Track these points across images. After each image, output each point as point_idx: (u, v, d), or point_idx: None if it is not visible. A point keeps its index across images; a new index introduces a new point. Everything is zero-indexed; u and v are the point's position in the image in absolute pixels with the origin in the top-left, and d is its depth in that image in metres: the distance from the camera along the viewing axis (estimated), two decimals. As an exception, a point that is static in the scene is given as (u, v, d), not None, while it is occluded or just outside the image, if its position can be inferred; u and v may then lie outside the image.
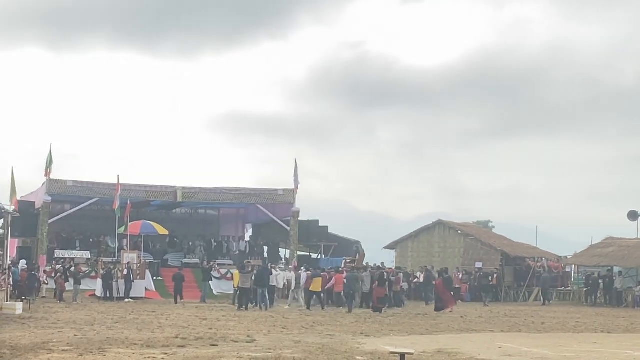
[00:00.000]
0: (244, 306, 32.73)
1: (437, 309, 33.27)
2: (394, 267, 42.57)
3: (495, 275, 44.77)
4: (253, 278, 34.29)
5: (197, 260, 44.45)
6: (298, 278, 36.28)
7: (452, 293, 36.24)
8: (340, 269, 39.66)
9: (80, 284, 36.10)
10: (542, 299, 42.72)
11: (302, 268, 38.76)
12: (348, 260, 44.23)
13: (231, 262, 43.67)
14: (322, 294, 35.58)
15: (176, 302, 36.02)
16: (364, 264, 42.21)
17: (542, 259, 47.75)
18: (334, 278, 36.19)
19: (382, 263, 45.74)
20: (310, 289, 35.31)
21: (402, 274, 39.48)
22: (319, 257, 47.85)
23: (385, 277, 35.14)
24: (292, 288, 36.42)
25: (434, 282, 35.09)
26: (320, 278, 35.47)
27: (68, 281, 36.39)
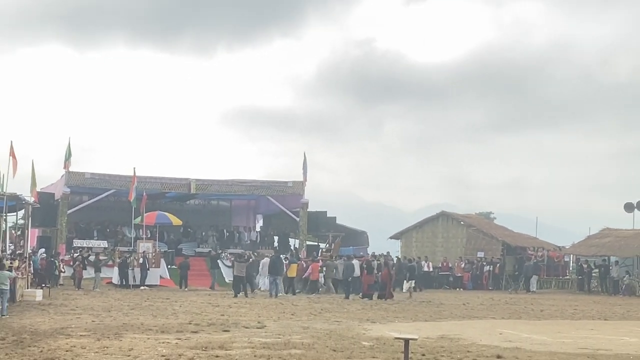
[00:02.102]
0: (240, 293, 32.62)
1: (379, 297, 33.09)
2: (369, 256, 42.48)
3: (498, 265, 44.71)
4: (247, 266, 34.55)
5: (210, 250, 44.50)
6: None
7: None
8: (317, 258, 39.89)
9: (100, 272, 36.19)
10: (524, 286, 42.41)
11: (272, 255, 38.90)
12: (324, 250, 44.38)
13: (242, 251, 43.83)
14: (294, 280, 35.58)
15: (181, 287, 36.63)
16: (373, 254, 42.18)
17: (542, 249, 47.67)
18: (310, 266, 36.49)
19: (388, 252, 45.77)
20: (287, 275, 35.28)
21: (376, 262, 39.20)
22: (327, 246, 47.84)
23: (365, 265, 35.16)
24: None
25: (379, 272, 34.84)
26: (296, 265, 35.81)
27: (86, 269, 36.51)
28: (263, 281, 36.15)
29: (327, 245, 47.21)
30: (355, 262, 36.02)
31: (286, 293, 34.09)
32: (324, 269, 36.95)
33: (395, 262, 41.14)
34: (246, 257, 35.54)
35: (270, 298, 31.88)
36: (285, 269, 35.26)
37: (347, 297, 32.91)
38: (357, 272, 34.91)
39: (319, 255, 42.22)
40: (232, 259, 40.35)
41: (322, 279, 36.90)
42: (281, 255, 38.98)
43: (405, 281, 35.82)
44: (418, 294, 35.22)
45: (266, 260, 36.09)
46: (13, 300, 25.17)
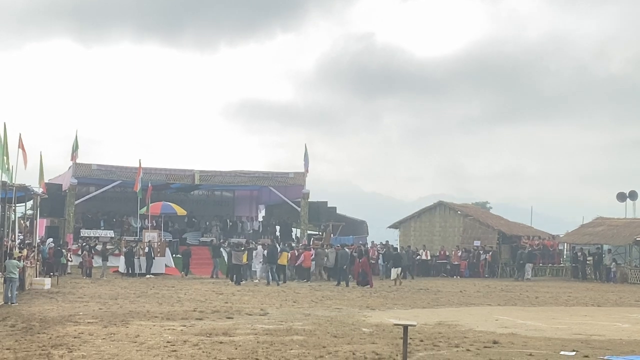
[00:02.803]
0: (239, 280, 32.79)
1: (358, 284, 33.28)
2: (356, 245, 42.52)
3: (490, 253, 44.70)
4: (257, 255, 34.68)
5: (213, 239, 44.55)
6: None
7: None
8: (309, 246, 40.03)
9: (107, 261, 36.22)
10: (516, 274, 42.41)
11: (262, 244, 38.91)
12: (316, 239, 44.49)
13: (237, 241, 43.78)
14: (286, 268, 35.49)
15: (185, 275, 36.91)
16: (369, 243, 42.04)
17: (538, 238, 47.68)
18: (302, 255, 36.73)
19: (387, 241, 45.80)
20: (278, 262, 35.41)
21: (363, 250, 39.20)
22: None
23: (356, 253, 35.26)
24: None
25: (359, 260, 35.04)
26: (287, 253, 35.77)
27: (93, 258, 36.55)
28: (256, 269, 36.11)
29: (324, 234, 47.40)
30: (347, 250, 36.29)
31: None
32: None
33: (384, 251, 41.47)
34: (243, 247, 35.62)
35: (268, 286, 31.94)
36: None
37: (338, 284, 33.23)
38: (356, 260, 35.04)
39: (311, 243, 42.32)
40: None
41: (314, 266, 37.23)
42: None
43: (392, 269, 36.06)
44: (405, 282, 35.31)
45: (259, 249, 36.07)
46: (22, 288, 25.23)
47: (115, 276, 35.91)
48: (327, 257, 36.61)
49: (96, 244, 38.72)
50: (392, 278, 35.17)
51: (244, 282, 32.79)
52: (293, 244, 41.31)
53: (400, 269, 35.89)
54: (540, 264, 45.08)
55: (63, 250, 35.85)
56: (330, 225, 47.03)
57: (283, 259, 35.15)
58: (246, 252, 34.83)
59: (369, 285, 32.31)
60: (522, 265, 42.24)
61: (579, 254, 43.71)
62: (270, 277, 33.57)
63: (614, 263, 41.49)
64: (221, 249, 39.88)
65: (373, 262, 40.96)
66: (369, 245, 44.95)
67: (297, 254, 37.11)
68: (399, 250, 40.76)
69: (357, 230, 50.17)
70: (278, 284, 32.59)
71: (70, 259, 36.85)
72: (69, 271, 36.14)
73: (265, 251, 35.28)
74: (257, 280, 34.59)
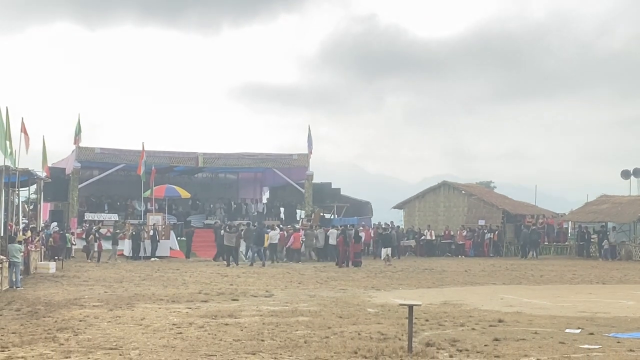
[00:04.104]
0: (232, 262, 32.95)
1: (337, 264, 33.53)
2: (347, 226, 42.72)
3: (496, 232, 44.68)
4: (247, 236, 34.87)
5: (217, 221, 44.57)
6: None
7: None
8: (298, 227, 40.15)
9: (117, 245, 36.27)
10: (521, 253, 42.48)
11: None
12: (305, 220, 44.66)
13: (230, 223, 43.72)
14: (267, 249, 35.42)
15: (186, 257, 37.36)
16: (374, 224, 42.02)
17: (543, 217, 47.65)
18: (292, 236, 37.01)
19: (392, 222, 45.80)
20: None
21: (362, 231, 39.35)
22: (332, 217, 47.94)
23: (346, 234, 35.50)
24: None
25: (337, 240, 35.27)
26: (268, 235, 35.70)
27: (97, 242, 36.58)
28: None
29: (332, 215, 47.43)
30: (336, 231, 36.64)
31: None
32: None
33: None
34: (235, 228, 35.75)
35: (261, 267, 32.07)
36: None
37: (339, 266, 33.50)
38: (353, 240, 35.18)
39: (300, 225, 42.42)
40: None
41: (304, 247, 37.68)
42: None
43: (382, 249, 36.35)
44: (394, 262, 35.41)
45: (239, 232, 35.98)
46: (27, 272, 25.29)
47: (120, 259, 35.97)
48: (316, 238, 36.90)
49: (100, 228, 38.77)
50: (382, 258, 35.44)
51: (233, 264, 32.76)
52: (282, 225, 41.25)
53: (390, 249, 36.16)
54: (545, 243, 45.08)
55: (67, 234, 35.92)
56: (335, 206, 47.07)
57: (265, 241, 35.34)
58: (239, 233, 34.90)
59: (338, 265, 32.84)
60: (524, 244, 42.34)
61: (585, 231, 43.71)
62: (258, 258, 33.98)
63: (606, 240, 41.50)
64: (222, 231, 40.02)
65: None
66: (375, 225, 45.07)
67: (286, 235, 37.31)
68: (389, 231, 40.75)
69: (362, 211, 50.17)
70: (263, 265, 32.85)
71: (74, 243, 36.89)
72: (73, 255, 36.20)
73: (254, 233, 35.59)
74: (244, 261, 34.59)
